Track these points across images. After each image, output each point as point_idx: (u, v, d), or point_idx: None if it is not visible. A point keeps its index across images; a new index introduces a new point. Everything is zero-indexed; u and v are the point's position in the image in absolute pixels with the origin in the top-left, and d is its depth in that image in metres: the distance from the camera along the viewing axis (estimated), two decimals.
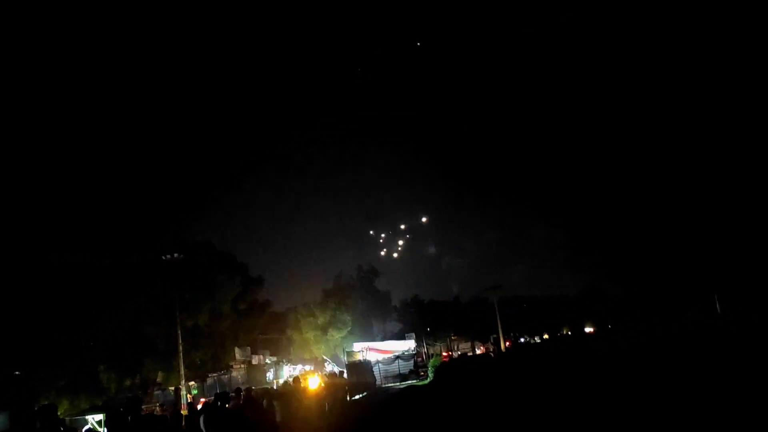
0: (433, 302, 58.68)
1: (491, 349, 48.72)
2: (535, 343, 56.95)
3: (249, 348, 42.26)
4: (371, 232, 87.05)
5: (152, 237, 36.40)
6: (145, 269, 33.27)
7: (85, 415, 26.26)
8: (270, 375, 41.77)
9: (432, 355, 47.24)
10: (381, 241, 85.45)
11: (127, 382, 31.31)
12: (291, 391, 15.60)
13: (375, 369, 36.94)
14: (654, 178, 63.50)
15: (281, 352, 49.14)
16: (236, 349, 40.29)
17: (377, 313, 57.12)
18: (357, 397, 26.63)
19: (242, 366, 40.54)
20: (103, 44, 61.45)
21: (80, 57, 59.60)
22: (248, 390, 12.92)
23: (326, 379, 22.85)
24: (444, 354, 46.71)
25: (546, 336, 60.40)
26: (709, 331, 29.84)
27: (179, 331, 30.87)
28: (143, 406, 25.06)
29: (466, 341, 56.17)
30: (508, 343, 49.07)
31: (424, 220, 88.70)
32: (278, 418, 13.43)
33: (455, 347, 55.38)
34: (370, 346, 42.86)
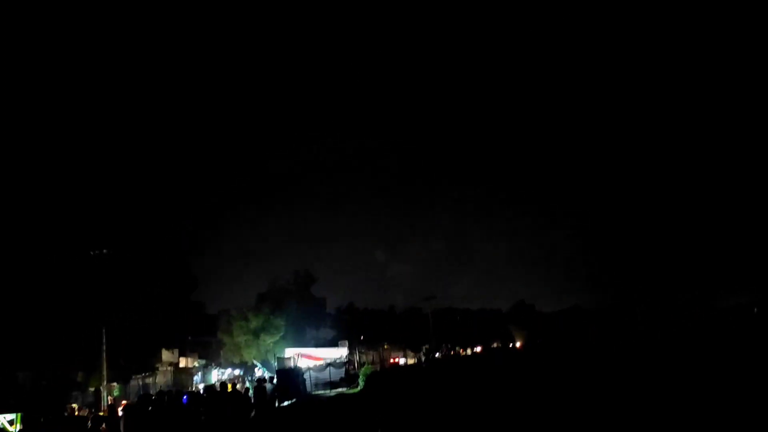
0: (368, 310, 59.08)
1: (422, 360, 49.53)
2: (465, 355, 58.32)
3: (177, 350, 41.19)
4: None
5: (82, 232, 35.04)
6: (70, 264, 32.01)
7: None
8: (197, 378, 40.83)
9: (364, 363, 47.48)
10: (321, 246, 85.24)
11: (44, 381, 29.94)
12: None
13: (306, 375, 36.78)
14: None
15: (211, 355, 48.12)
16: (163, 351, 39.22)
17: (311, 320, 56.82)
18: (286, 403, 26.59)
19: (169, 368, 39.45)
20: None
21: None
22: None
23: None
24: (392, 360, 47.13)
25: (479, 348, 61.94)
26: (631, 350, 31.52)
27: (103, 330, 29.84)
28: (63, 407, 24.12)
29: (399, 350, 56.79)
30: (438, 354, 50.02)
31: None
32: None
33: (387, 356, 55.86)
34: (302, 353, 42.61)
